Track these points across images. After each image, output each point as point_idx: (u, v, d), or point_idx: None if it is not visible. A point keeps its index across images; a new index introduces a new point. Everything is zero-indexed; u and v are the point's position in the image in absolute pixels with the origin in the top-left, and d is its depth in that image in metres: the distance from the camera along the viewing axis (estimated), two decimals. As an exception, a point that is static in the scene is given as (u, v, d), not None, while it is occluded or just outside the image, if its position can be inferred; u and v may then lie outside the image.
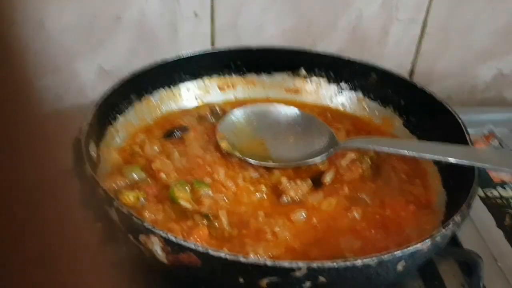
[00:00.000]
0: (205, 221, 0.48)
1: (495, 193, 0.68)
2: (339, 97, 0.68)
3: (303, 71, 0.69)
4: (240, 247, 0.46)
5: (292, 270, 0.37)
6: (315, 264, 0.37)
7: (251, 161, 0.56)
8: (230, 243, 0.47)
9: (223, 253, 0.38)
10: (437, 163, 0.56)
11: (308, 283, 0.38)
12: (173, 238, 0.39)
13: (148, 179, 0.53)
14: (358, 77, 0.67)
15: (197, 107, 0.66)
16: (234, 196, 0.53)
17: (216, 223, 0.48)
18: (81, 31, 0.72)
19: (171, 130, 0.61)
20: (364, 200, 0.53)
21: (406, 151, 0.52)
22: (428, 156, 0.52)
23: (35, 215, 0.17)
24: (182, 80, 0.65)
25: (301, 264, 0.37)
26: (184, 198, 0.50)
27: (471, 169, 0.49)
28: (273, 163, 0.57)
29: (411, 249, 0.40)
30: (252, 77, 0.69)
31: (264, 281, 0.38)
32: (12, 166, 0.15)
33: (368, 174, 0.56)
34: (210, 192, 0.52)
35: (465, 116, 0.58)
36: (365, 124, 0.66)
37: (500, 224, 0.63)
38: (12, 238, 0.17)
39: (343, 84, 0.68)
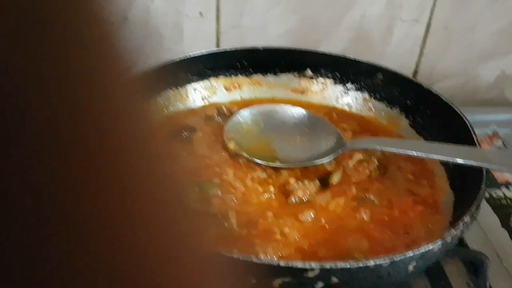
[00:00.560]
0: (214, 222, 0.48)
1: (500, 193, 0.69)
2: (345, 98, 0.69)
3: (309, 72, 0.69)
4: (249, 248, 0.47)
5: (305, 270, 0.38)
6: (328, 265, 0.37)
7: (259, 161, 0.56)
8: (239, 243, 0.47)
9: (236, 254, 0.38)
10: (444, 163, 0.57)
11: (320, 283, 0.39)
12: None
13: (157, 179, 0.53)
14: (364, 78, 0.67)
15: (204, 107, 0.66)
16: (243, 196, 0.53)
17: (225, 224, 0.48)
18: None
19: (179, 130, 0.61)
20: (372, 200, 0.53)
21: (414, 152, 0.52)
22: (435, 156, 0.52)
23: None
24: (189, 80, 0.66)
25: (314, 264, 0.37)
26: (192, 199, 0.50)
27: (478, 169, 0.49)
28: (280, 163, 0.57)
29: (423, 249, 0.40)
30: (258, 77, 0.69)
31: (277, 282, 0.39)
32: None
33: (376, 174, 0.57)
34: (219, 193, 0.52)
35: (468, 116, 0.59)
36: (371, 124, 0.66)
37: (505, 224, 0.63)
38: None
39: (349, 85, 0.68)
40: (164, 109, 0.64)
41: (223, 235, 0.48)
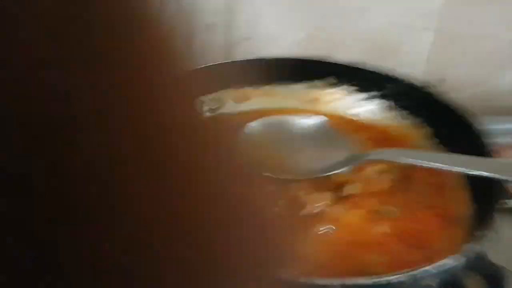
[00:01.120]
0: None
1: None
2: (361, 107, 0.67)
3: (321, 81, 0.67)
4: (262, 263, 0.45)
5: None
6: (348, 282, 0.36)
7: (268, 174, 0.55)
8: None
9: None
10: (465, 175, 0.55)
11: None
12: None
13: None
14: (378, 87, 0.66)
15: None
16: None
17: None
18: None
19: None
20: (389, 213, 0.52)
21: (436, 164, 0.50)
22: (460, 169, 0.50)
23: None
24: (196, 93, 0.64)
25: (335, 281, 0.35)
26: None
27: (500, 182, 0.48)
28: (291, 175, 0.55)
29: (441, 264, 0.38)
30: (268, 88, 0.68)
31: (294, 299, 0.37)
32: None
33: (393, 186, 0.55)
34: None
35: (488, 125, 0.57)
36: (389, 134, 0.64)
37: (526, 236, 0.61)
38: None
39: (363, 94, 0.67)
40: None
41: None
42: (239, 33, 0.74)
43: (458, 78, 0.83)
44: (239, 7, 0.72)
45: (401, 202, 0.53)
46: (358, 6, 0.75)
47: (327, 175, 0.55)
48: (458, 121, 0.59)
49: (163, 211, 0.15)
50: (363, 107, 0.67)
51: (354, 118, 0.67)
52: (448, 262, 0.39)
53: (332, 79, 0.67)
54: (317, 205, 0.52)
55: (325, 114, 0.67)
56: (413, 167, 0.56)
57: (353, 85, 0.67)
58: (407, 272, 0.37)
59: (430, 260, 0.45)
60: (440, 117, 0.62)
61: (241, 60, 0.66)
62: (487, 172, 0.47)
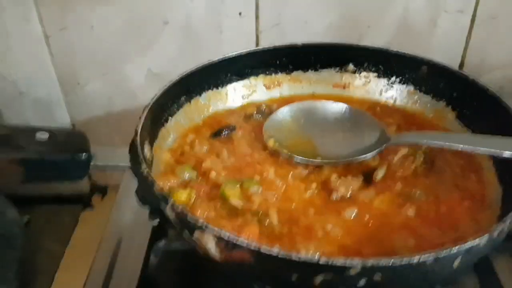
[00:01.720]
0: (255, 219, 0.48)
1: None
2: (389, 91, 0.67)
3: (351, 66, 0.68)
4: (291, 245, 0.46)
5: (346, 268, 0.37)
6: (370, 262, 0.37)
7: (299, 158, 0.56)
8: (280, 241, 0.47)
9: (276, 251, 0.38)
10: (493, 157, 0.55)
11: (363, 281, 0.38)
12: (226, 235, 0.39)
13: (199, 177, 0.53)
14: (409, 71, 0.66)
15: (244, 106, 0.67)
16: (284, 193, 0.53)
17: (266, 221, 0.48)
18: (130, 36, 0.75)
19: (220, 129, 0.62)
20: (418, 196, 0.52)
21: (460, 145, 0.50)
22: (482, 150, 0.50)
23: None
24: (229, 80, 0.66)
25: (355, 261, 0.37)
26: (234, 196, 0.50)
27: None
28: (322, 160, 0.57)
29: (467, 245, 0.39)
30: (298, 74, 0.69)
31: (318, 279, 0.38)
32: None
33: (421, 169, 0.55)
34: (260, 190, 0.52)
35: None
36: (416, 118, 0.65)
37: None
38: None
39: (393, 78, 0.67)
40: (206, 109, 0.65)
41: (264, 232, 0.48)
42: (268, 20, 0.74)
43: (491, 60, 0.82)
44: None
45: (428, 186, 0.53)
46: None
47: (356, 160, 0.56)
48: (481, 102, 0.58)
49: None
50: (390, 91, 0.67)
51: (382, 103, 0.67)
52: (472, 243, 0.39)
53: (363, 64, 0.68)
54: (348, 189, 0.53)
55: (355, 99, 0.67)
56: (438, 151, 0.56)
57: (383, 69, 0.67)
58: (429, 253, 0.38)
59: (458, 243, 0.45)
60: (463, 99, 0.61)
61: (271, 47, 0.68)
62: (511, 151, 0.47)
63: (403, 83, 0.66)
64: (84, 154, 0.45)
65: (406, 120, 0.63)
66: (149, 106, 0.54)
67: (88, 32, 0.74)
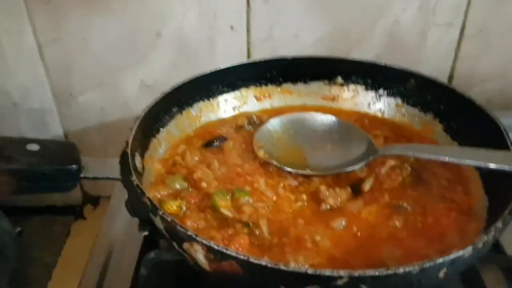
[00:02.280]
0: (245, 230, 0.49)
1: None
2: (377, 104, 0.68)
3: (339, 79, 0.69)
4: (281, 256, 0.47)
5: (333, 278, 0.38)
6: (356, 273, 0.37)
7: (288, 169, 0.57)
8: (270, 251, 0.48)
9: (264, 261, 0.39)
10: (479, 168, 0.56)
11: (349, 291, 0.38)
12: (215, 246, 0.40)
13: (190, 188, 0.54)
14: (396, 83, 0.67)
15: (235, 117, 0.68)
16: (274, 204, 0.53)
17: (256, 231, 0.49)
18: (123, 48, 0.75)
19: (211, 140, 0.62)
20: (405, 207, 0.53)
21: (446, 157, 0.51)
22: (468, 162, 0.51)
23: None
24: (220, 92, 0.67)
25: (342, 272, 0.37)
26: (225, 207, 0.51)
27: (513, 174, 0.48)
28: (311, 171, 0.57)
29: (452, 256, 0.40)
30: (288, 86, 0.70)
31: (306, 289, 0.39)
32: None
33: (409, 181, 0.56)
34: (250, 200, 0.53)
35: (506, 120, 0.57)
36: (404, 130, 0.65)
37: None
38: None
39: (381, 91, 0.68)
40: (197, 119, 0.66)
41: (254, 242, 0.48)
42: (259, 34, 0.75)
43: (480, 73, 0.83)
44: (259, 9, 0.74)
45: (415, 197, 0.54)
46: (377, 3, 0.75)
47: (344, 171, 0.57)
48: (469, 115, 0.59)
49: None
50: (378, 104, 0.68)
51: (371, 115, 0.68)
52: (457, 254, 0.40)
53: (352, 77, 0.69)
54: (336, 200, 0.54)
55: (344, 111, 0.68)
56: (425, 163, 0.57)
57: (372, 82, 0.68)
58: (416, 264, 0.38)
59: (444, 254, 0.46)
60: (450, 112, 0.62)
61: (262, 60, 0.69)
62: (496, 163, 0.47)
63: (391, 96, 0.68)
64: (74, 165, 0.46)
65: (394, 132, 0.64)
66: (141, 118, 0.55)
67: (81, 44, 0.75)
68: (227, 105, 0.68)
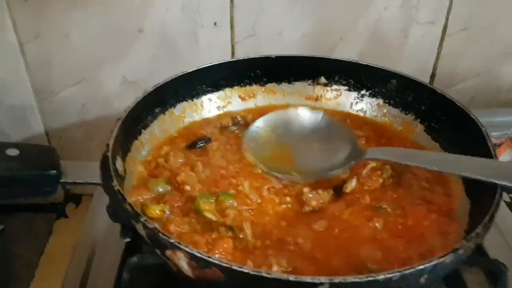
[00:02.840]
0: (229, 233, 0.49)
1: (521, 197, 0.68)
2: (359, 104, 0.69)
3: (323, 79, 0.69)
4: (264, 259, 0.47)
5: (314, 285, 0.38)
6: (337, 279, 0.38)
7: (276, 174, 0.57)
8: (253, 254, 0.48)
9: (246, 269, 0.39)
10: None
11: (331, 297, 0.39)
12: (198, 254, 0.40)
13: (173, 191, 0.54)
14: (378, 84, 0.67)
15: (219, 117, 0.67)
16: (259, 206, 0.54)
17: (240, 235, 0.49)
18: (105, 43, 0.75)
19: (195, 141, 0.62)
20: (385, 209, 0.53)
21: (433, 167, 0.51)
22: (453, 171, 0.51)
23: None
24: (204, 91, 0.67)
25: (323, 279, 0.38)
26: (209, 210, 0.51)
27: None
28: (298, 175, 0.57)
29: (433, 262, 0.40)
30: (272, 86, 0.70)
31: (288, 295, 0.39)
32: None
33: (389, 183, 0.56)
34: (234, 204, 0.53)
35: (489, 118, 0.58)
36: (386, 130, 0.66)
37: (526, 229, 0.62)
38: None
39: (363, 91, 0.68)
40: (181, 120, 0.65)
41: (237, 246, 0.48)
42: (243, 31, 0.75)
43: (463, 70, 0.84)
44: (242, 5, 0.73)
45: (395, 199, 0.55)
46: (361, 1, 0.75)
47: (329, 175, 0.57)
48: (449, 115, 0.60)
49: None
50: (360, 104, 0.69)
51: (353, 115, 0.68)
52: (438, 260, 0.40)
53: (335, 77, 0.69)
54: (319, 202, 0.54)
55: (327, 110, 0.69)
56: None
57: (354, 82, 0.68)
58: (396, 270, 0.39)
59: (424, 256, 0.47)
60: (431, 112, 0.63)
61: (246, 58, 0.68)
62: (481, 176, 0.48)
63: (373, 97, 0.68)
64: (53, 170, 0.45)
65: (376, 132, 0.65)
66: (122, 119, 0.54)
67: (63, 40, 0.74)
68: (211, 105, 0.67)
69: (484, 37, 0.81)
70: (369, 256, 0.48)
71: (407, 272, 0.39)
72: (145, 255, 0.51)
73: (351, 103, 0.69)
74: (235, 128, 0.65)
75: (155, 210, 0.50)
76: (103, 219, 0.62)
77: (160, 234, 0.41)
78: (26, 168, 0.44)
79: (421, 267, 0.40)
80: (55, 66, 0.76)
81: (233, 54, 0.76)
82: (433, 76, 0.83)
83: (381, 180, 0.56)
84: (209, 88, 0.67)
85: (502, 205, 0.64)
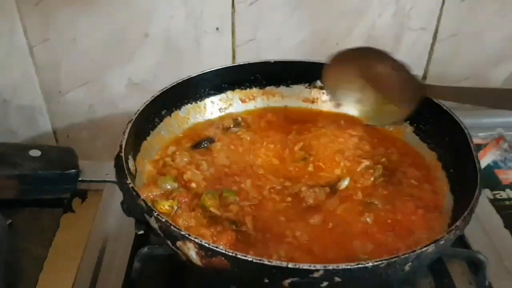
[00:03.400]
0: (233, 226, 0.53)
1: (504, 195, 0.72)
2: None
3: (319, 83, 0.73)
4: (264, 250, 0.51)
5: (311, 271, 0.42)
6: (331, 266, 0.42)
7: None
8: (255, 246, 0.52)
9: (250, 257, 0.43)
10: (445, 170, 0.60)
11: (325, 283, 0.43)
12: (206, 244, 0.44)
13: (180, 188, 0.57)
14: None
15: (221, 118, 0.71)
16: (260, 203, 0.57)
17: (242, 228, 0.53)
18: (111, 47, 0.78)
19: (199, 141, 0.66)
20: (377, 205, 0.57)
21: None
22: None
23: None
24: (207, 94, 0.70)
25: (318, 266, 0.42)
26: (214, 206, 0.55)
27: (475, 176, 0.53)
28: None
29: (416, 252, 0.44)
30: (271, 89, 0.73)
31: (287, 282, 0.43)
32: None
33: (380, 181, 0.60)
34: (237, 199, 0.56)
35: (476, 120, 0.62)
36: (377, 130, 0.69)
37: (508, 225, 0.67)
38: None
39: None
40: (186, 121, 0.69)
41: (240, 239, 0.52)
42: (244, 36, 0.79)
43: (452, 75, 0.88)
44: (243, 12, 0.77)
45: (385, 196, 0.59)
46: (356, 8, 0.79)
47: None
48: (437, 118, 0.64)
49: None
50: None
51: (347, 115, 0.71)
52: (421, 250, 0.45)
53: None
54: (316, 199, 0.58)
55: (322, 112, 0.73)
56: (398, 162, 0.62)
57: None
58: (384, 259, 0.43)
59: (412, 247, 0.50)
60: (420, 115, 0.66)
61: (247, 63, 0.72)
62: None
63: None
64: (73, 170, 0.49)
65: (368, 132, 0.68)
66: (132, 121, 0.58)
67: (71, 43, 0.77)
68: (214, 107, 0.71)
69: (472, 43, 0.85)
70: (361, 248, 0.52)
71: (392, 260, 0.43)
72: (154, 246, 0.56)
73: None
74: (236, 129, 0.69)
75: (165, 206, 0.54)
76: (113, 214, 0.67)
77: (172, 227, 0.45)
78: (48, 167, 0.47)
79: (405, 255, 0.44)
80: (63, 68, 0.79)
81: (233, 58, 0.80)
82: (424, 79, 0.87)
83: (372, 179, 0.60)
84: (212, 91, 0.71)
85: (486, 202, 0.69)
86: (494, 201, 0.71)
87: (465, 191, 0.54)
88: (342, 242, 0.53)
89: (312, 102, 0.73)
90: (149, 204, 0.48)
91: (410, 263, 0.45)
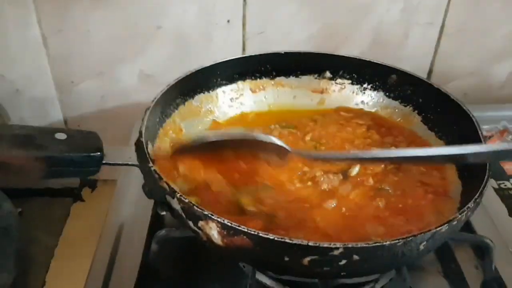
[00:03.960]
0: (262, 216, 0.53)
1: (508, 184, 0.74)
2: (362, 96, 0.74)
3: (328, 74, 0.74)
4: (285, 234, 0.52)
5: (331, 249, 0.44)
6: (350, 245, 0.44)
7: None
8: (274, 231, 0.53)
9: (272, 235, 0.45)
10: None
11: (344, 261, 0.45)
12: (228, 223, 0.45)
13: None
14: (379, 78, 0.72)
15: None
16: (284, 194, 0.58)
17: (272, 219, 0.54)
18: (124, 39, 0.79)
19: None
20: (387, 190, 0.59)
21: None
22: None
23: None
24: (218, 84, 0.72)
25: (338, 244, 0.44)
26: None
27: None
28: None
29: (432, 231, 0.46)
30: (281, 79, 0.75)
31: (306, 260, 0.45)
32: None
33: (390, 167, 0.62)
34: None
35: (481, 113, 0.63)
36: (385, 120, 0.71)
37: (512, 214, 0.69)
38: None
39: (365, 85, 0.74)
40: (198, 110, 0.70)
41: (265, 225, 0.53)
42: (254, 29, 0.80)
43: (457, 69, 0.89)
44: (254, 4, 0.78)
45: (395, 181, 0.60)
46: (365, 3, 0.81)
47: None
48: (444, 107, 0.65)
49: None
50: (363, 96, 0.74)
51: (355, 106, 0.74)
52: (435, 229, 0.46)
53: (339, 72, 0.74)
54: (329, 184, 0.59)
55: (331, 103, 0.74)
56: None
57: (357, 77, 0.74)
58: (401, 238, 0.45)
59: (422, 230, 0.52)
60: (428, 105, 0.68)
61: (257, 54, 0.73)
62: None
63: (374, 90, 0.73)
64: (98, 153, 0.51)
65: (376, 122, 0.70)
66: (150, 108, 0.59)
67: (84, 34, 0.78)
68: (225, 97, 0.73)
69: (478, 39, 0.86)
70: (373, 231, 0.54)
71: (409, 239, 0.45)
72: (171, 229, 0.57)
73: (354, 96, 0.74)
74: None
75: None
76: (129, 199, 0.68)
77: (195, 207, 0.47)
78: (74, 150, 0.49)
79: (421, 234, 0.45)
80: (76, 59, 0.81)
81: (244, 50, 0.82)
82: (430, 73, 0.89)
83: (383, 165, 0.62)
84: (224, 81, 0.72)
85: (490, 190, 0.71)
86: (499, 191, 0.73)
87: (473, 176, 0.55)
88: (355, 225, 0.55)
89: (322, 92, 0.75)
90: (172, 186, 0.49)
91: (425, 242, 0.46)
